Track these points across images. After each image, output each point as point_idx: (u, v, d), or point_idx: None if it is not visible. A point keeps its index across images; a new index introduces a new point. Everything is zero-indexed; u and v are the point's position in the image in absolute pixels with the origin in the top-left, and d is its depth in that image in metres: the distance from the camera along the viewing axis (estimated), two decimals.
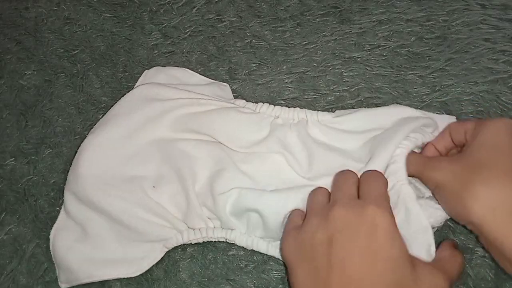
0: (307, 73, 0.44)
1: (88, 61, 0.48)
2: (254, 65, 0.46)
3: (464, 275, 0.36)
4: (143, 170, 0.39)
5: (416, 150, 0.37)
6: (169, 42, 0.48)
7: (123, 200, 0.38)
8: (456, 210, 0.31)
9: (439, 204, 0.34)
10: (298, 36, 0.46)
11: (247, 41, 0.47)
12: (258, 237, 0.37)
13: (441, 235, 0.37)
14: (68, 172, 0.40)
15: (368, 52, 0.45)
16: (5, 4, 0.52)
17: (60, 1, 0.51)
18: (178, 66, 0.46)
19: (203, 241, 0.38)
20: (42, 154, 0.44)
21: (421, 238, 0.32)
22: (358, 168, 0.36)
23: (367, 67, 0.44)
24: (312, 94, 0.44)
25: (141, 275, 0.38)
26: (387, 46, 0.44)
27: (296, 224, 0.33)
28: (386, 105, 0.41)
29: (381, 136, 0.37)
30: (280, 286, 0.38)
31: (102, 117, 0.42)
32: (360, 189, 0.33)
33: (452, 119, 0.38)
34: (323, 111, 0.41)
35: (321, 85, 0.44)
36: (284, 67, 0.45)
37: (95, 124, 0.42)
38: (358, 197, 0.32)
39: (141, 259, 0.38)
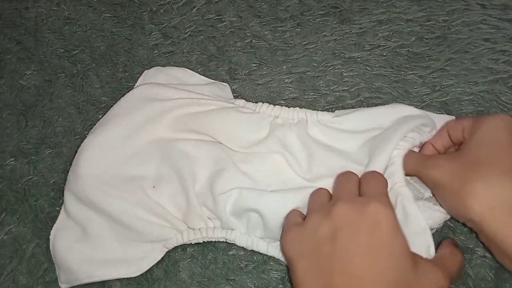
0: (307, 73, 0.44)
1: (88, 61, 0.48)
2: (254, 65, 0.46)
3: (464, 275, 0.36)
4: (143, 170, 0.39)
5: (415, 149, 0.37)
6: (169, 42, 0.48)
7: (123, 200, 0.38)
8: (455, 208, 0.31)
9: (437, 205, 0.34)
10: (298, 36, 0.46)
11: (247, 41, 0.47)
12: (258, 237, 0.37)
13: (441, 235, 0.37)
14: (68, 172, 0.41)
15: (368, 52, 0.45)
16: (5, 4, 0.52)
17: (60, 1, 0.51)
18: (178, 66, 0.46)
19: (203, 241, 0.38)
20: (42, 154, 0.44)
21: (420, 239, 0.32)
22: (358, 170, 0.36)
23: (367, 67, 0.44)
24: (312, 94, 0.44)
25: (141, 275, 0.38)
26: (387, 46, 0.45)
27: (296, 221, 0.33)
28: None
29: (380, 137, 0.37)
30: (280, 286, 0.38)
31: (102, 117, 0.42)
32: (362, 188, 0.33)
33: (451, 119, 0.38)
34: (323, 111, 0.41)
35: (321, 85, 0.44)
36: (284, 67, 0.45)
37: (95, 124, 0.42)
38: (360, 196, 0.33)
39: (141, 259, 0.38)
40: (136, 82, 0.45)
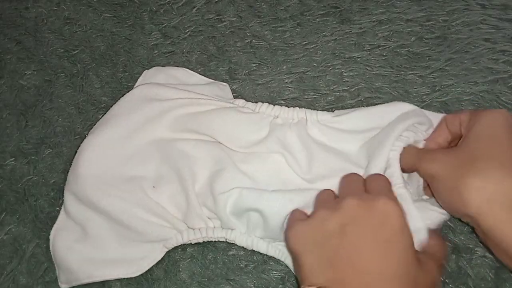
0: (307, 73, 0.44)
1: (88, 61, 0.48)
2: (254, 65, 0.46)
3: (464, 275, 0.36)
4: (142, 170, 0.39)
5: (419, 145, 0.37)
6: (169, 42, 0.48)
7: (123, 200, 0.38)
8: (452, 202, 0.31)
9: (436, 205, 0.34)
10: (298, 36, 0.46)
11: (247, 41, 0.47)
12: (258, 237, 0.37)
13: (441, 235, 0.37)
14: (68, 172, 0.41)
15: (368, 52, 0.45)
16: (5, 4, 0.52)
17: (60, 1, 0.51)
18: (178, 66, 0.46)
19: (203, 241, 0.38)
20: (42, 154, 0.44)
21: (418, 239, 0.32)
22: (357, 172, 0.36)
23: (367, 67, 0.44)
24: (312, 94, 0.44)
25: (141, 275, 0.38)
26: (387, 46, 0.44)
27: (300, 217, 0.33)
28: None
29: (377, 138, 0.37)
30: (280, 286, 0.38)
31: (102, 117, 0.42)
32: (367, 187, 0.33)
33: None
34: (323, 111, 0.41)
35: (321, 85, 0.44)
36: (284, 67, 0.45)
37: (95, 124, 0.42)
38: None
39: (141, 259, 0.38)
40: (136, 82, 0.45)
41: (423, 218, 0.33)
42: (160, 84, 0.42)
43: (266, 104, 0.41)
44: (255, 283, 0.38)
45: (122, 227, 0.38)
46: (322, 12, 0.47)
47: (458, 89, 0.42)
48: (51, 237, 0.40)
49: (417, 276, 0.29)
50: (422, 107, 0.40)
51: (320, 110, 0.41)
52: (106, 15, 0.50)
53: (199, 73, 0.45)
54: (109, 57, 0.48)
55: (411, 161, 0.35)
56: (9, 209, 0.42)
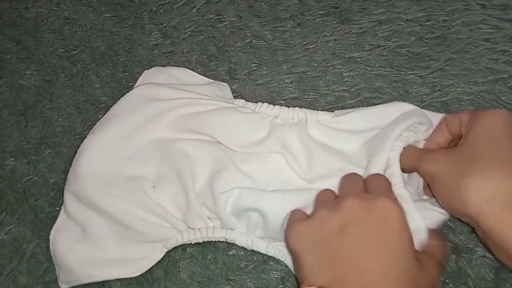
0: (307, 73, 0.44)
1: (88, 61, 0.48)
2: (254, 65, 0.46)
3: (464, 275, 0.36)
4: (142, 170, 0.39)
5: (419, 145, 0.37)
6: (169, 42, 0.48)
7: (123, 200, 0.38)
8: (452, 201, 0.31)
9: (435, 205, 0.34)
10: (298, 36, 0.46)
11: (247, 41, 0.47)
12: (258, 237, 0.37)
13: (441, 235, 0.37)
14: (68, 172, 0.40)
15: (368, 52, 0.45)
16: (5, 4, 0.52)
17: (60, 1, 0.51)
18: (178, 66, 0.46)
19: (203, 241, 0.38)
20: (42, 154, 0.44)
21: (418, 240, 0.32)
22: (357, 172, 0.36)
23: (367, 67, 0.44)
24: (312, 94, 0.44)
25: (141, 275, 0.38)
26: (387, 46, 0.44)
27: (300, 217, 0.33)
28: None
29: (377, 138, 0.37)
30: (280, 286, 0.38)
31: (102, 117, 0.42)
32: (367, 187, 0.33)
33: None
34: (323, 111, 0.41)
35: (321, 85, 0.44)
36: (284, 67, 0.45)
37: (95, 124, 0.42)
38: None
39: (141, 259, 0.38)
40: (136, 82, 0.45)
41: (423, 218, 0.33)
42: (160, 84, 0.42)
43: (266, 104, 0.41)
44: (255, 283, 0.38)
45: (122, 227, 0.38)
46: (322, 12, 0.47)
47: (458, 89, 0.42)
48: (51, 237, 0.40)
49: (417, 276, 0.29)
50: (422, 107, 0.40)
51: (320, 110, 0.41)
52: (106, 15, 0.50)
53: (199, 73, 0.45)
54: (109, 57, 0.48)
55: (411, 161, 0.35)
56: (9, 209, 0.42)
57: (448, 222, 0.37)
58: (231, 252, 0.39)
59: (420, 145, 0.36)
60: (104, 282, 0.39)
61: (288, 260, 0.37)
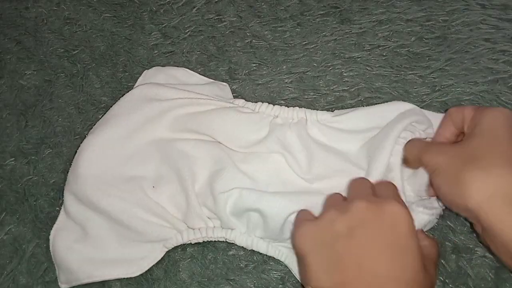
0: (307, 73, 0.44)
1: (88, 61, 0.48)
2: (254, 65, 0.46)
3: (464, 275, 0.36)
4: (142, 170, 0.39)
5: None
6: (169, 42, 0.48)
7: (123, 200, 0.38)
8: (453, 194, 0.31)
9: (420, 207, 0.35)
10: (298, 36, 0.46)
11: (247, 41, 0.47)
12: (258, 237, 0.37)
13: (441, 235, 0.37)
14: (68, 172, 0.41)
15: (368, 52, 0.45)
16: (5, 4, 0.52)
17: (60, 1, 0.51)
18: (178, 66, 0.46)
19: (203, 241, 0.38)
20: (42, 154, 0.44)
21: None
22: (357, 173, 0.36)
23: (367, 67, 0.44)
24: (312, 94, 0.44)
25: (141, 275, 0.38)
26: (387, 46, 0.44)
27: (308, 217, 0.33)
28: None
29: (376, 139, 0.37)
30: (280, 286, 0.38)
31: (102, 117, 0.42)
32: (376, 190, 0.33)
33: None
34: (322, 111, 0.41)
35: (321, 85, 0.44)
36: (284, 67, 0.45)
37: (95, 124, 0.42)
38: None
39: (141, 259, 0.38)
40: (136, 82, 0.45)
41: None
42: (160, 84, 0.42)
43: (266, 104, 0.41)
44: (255, 283, 0.38)
45: (122, 227, 0.38)
46: (322, 12, 0.47)
47: (458, 89, 0.42)
48: (51, 237, 0.40)
49: (421, 281, 0.29)
50: (422, 107, 0.40)
51: (320, 110, 0.41)
52: (106, 15, 0.50)
53: (199, 73, 0.45)
54: (109, 57, 0.48)
55: (415, 153, 0.35)
56: (9, 209, 0.42)
57: (448, 222, 0.37)
58: (231, 252, 0.39)
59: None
60: (104, 282, 0.39)
61: (288, 260, 0.37)
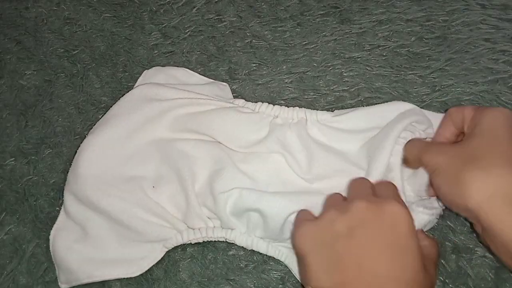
0: (307, 73, 0.44)
1: (88, 61, 0.48)
2: (254, 65, 0.46)
3: (464, 275, 0.36)
4: (142, 170, 0.39)
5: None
6: (169, 42, 0.48)
7: (123, 200, 0.38)
8: (453, 194, 0.31)
9: (420, 207, 0.35)
10: (298, 36, 0.46)
11: (247, 41, 0.47)
12: (258, 237, 0.37)
13: (441, 235, 0.37)
14: (68, 172, 0.41)
15: (368, 52, 0.45)
16: (5, 4, 0.52)
17: (60, 1, 0.51)
18: (178, 66, 0.46)
19: (203, 241, 0.38)
20: (42, 154, 0.44)
21: None
22: (357, 173, 0.36)
23: (367, 67, 0.44)
24: (312, 94, 0.44)
25: (141, 275, 0.38)
26: (387, 46, 0.44)
27: (308, 217, 0.33)
28: None
29: (376, 139, 0.37)
30: (280, 286, 0.38)
31: (102, 117, 0.42)
32: (376, 191, 0.33)
33: None
34: (322, 111, 0.41)
35: (321, 85, 0.44)
36: (284, 67, 0.45)
37: (95, 124, 0.42)
38: None
39: (141, 259, 0.38)
40: (136, 82, 0.45)
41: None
42: (160, 84, 0.42)
43: (266, 104, 0.41)
44: (255, 283, 0.38)
45: (122, 227, 0.38)
46: (322, 12, 0.47)
47: (458, 89, 0.42)
48: (51, 237, 0.40)
49: (422, 280, 0.29)
50: (422, 107, 0.40)
51: (320, 110, 0.41)
52: (106, 15, 0.50)
53: (199, 73, 0.45)
54: (109, 57, 0.48)
55: (416, 153, 0.35)
56: (9, 209, 0.42)
57: (448, 222, 0.37)
58: (231, 252, 0.39)
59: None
60: (104, 282, 0.39)
61: (288, 260, 0.37)
